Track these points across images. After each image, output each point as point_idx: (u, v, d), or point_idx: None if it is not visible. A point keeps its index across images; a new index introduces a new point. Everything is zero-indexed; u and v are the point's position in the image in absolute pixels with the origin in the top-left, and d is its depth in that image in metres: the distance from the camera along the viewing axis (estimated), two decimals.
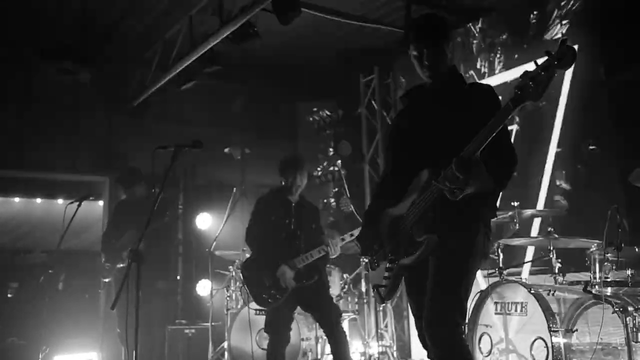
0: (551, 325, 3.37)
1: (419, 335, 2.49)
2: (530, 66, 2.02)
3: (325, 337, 5.15)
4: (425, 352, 2.47)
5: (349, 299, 5.25)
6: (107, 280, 5.09)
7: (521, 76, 2.02)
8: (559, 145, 4.78)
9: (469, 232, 2.38)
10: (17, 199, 9.72)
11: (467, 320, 3.90)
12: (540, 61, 1.99)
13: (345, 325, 5.58)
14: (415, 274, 2.46)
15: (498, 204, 2.58)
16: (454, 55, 2.59)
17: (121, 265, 4.92)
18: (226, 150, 7.42)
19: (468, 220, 2.37)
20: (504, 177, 2.29)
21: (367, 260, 5.32)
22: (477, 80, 5.51)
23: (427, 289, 2.36)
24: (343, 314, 5.22)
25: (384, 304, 4.73)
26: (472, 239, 2.39)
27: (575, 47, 1.99)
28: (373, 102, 7.33)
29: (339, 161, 6.87)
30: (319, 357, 4.96)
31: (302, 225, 4.15)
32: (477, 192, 2.18)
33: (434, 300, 2.32)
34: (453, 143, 2.19)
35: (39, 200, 9.73)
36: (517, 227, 4.05)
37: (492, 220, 2.53)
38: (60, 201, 9.49)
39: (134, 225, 4.90)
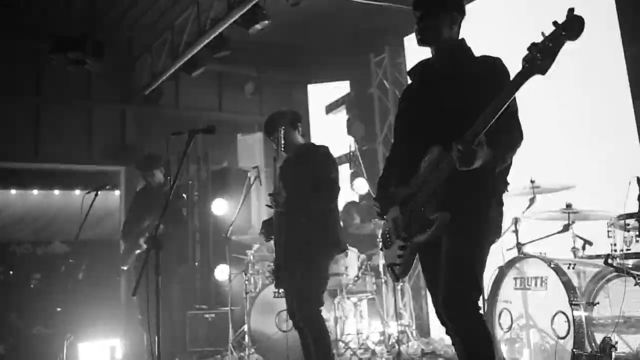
0: (572, 298, 3.33)
1: (437, 312, 2.49)
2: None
3: (344, 318, 5.20)
4: (444, 330, 2.47)
5: (367, 279, 5.26)
6: (125, 267, 5.15)
7: (529, 48, 1.96)
8: None
9: (481, 207, 2.37)
10: (35, 192, 9.86)
11: (486, 297, 3.89)
12: (547, 32, 1.93)
13: (364, 305, 5.60)
14: (429, 252, 2.45)
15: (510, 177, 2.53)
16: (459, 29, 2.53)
17: (138, 251, 4.97)
18: (246, 89, 7.64)
19: (479, 195, 2.35)
20: (506, 152, 2.28)
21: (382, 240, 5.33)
22: None
23: (441, 267, 2.35)
24: (360, 295, 5.25)
25: (398, 282, 4.59)
26: (483, 214, 2.37)
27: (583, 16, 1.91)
28: (385, 81, 7.27)
29: (352, 142, 6.83)
30: (338, 337, 4.99)
31: (285, 185, 3.66)
32: (484, 165, 2.16)
33: (448, 278, 2.31)
34: (461, 119, 2.17)
35: (56, 191, 9.87)
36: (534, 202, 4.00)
37: (505, 193, 2.50)
38: (77, 192, 9.62)
39: (152, 212, 4.95)
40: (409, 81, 2.75)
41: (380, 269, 5.40)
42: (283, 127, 3.61)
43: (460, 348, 2.33)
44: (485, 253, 2.38)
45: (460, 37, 2.53)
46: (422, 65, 2.63)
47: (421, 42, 2.50)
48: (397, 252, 2.51)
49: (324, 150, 3.79)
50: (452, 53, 2.49)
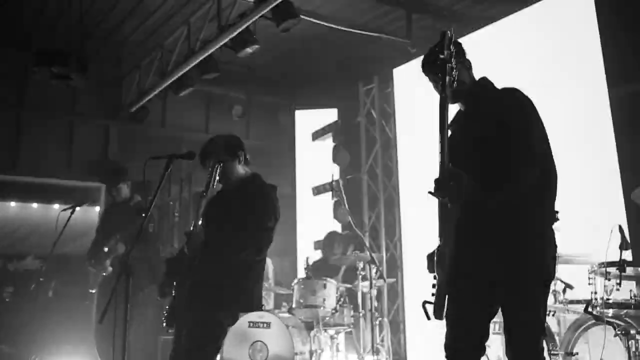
0: (551, 347, 3.28)
1: (450, 347, 2.38)
2: None
3: (320, 351, 5.06)
4: None
5: (345, 311, 5.15)
6: (93, 291, 4.97)
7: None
8: None
9: (533, 248, 2.25)
10: (12, 204, 9.65)
11: None
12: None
13: (341, 338, 5.48)
14: (467, 292, 2.35)
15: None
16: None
17: (104, 274, 4.80)
18: (233, 111, 7.61)
19: (529, 233, 2.25)
20: (496, 187, 2.19)
21: (363, 274, 5.24)
22: None
23: (507, 326, 2.28)
24: (337, 328, 5.13)
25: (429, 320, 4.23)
26: (539, 254, 2.25)
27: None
28: (372, 111, 7.27)
29: (337, 171, 6.78)
30: None
31: (209, 222, 3.29)
32: (475, 199, 2.15)
33: (523, 339, 2.24)
34: (496, 156, 2.21)
35: (35, 205, 9.66)
36: None
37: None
38: (56, 206, 9.42)
39: (118, 230, 4.82)
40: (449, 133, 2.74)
41: (359, 302, 5.30)
42: (219, 162, 3.17)
43: None
44: (548, 294, 2.31)
45: (481, 77, 2.51)
46: (457, 113, 2.61)
47: (454, 100, 2.46)
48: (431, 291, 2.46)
49: (267, 191, 3.38)
50: (475, 95, 2.48)
